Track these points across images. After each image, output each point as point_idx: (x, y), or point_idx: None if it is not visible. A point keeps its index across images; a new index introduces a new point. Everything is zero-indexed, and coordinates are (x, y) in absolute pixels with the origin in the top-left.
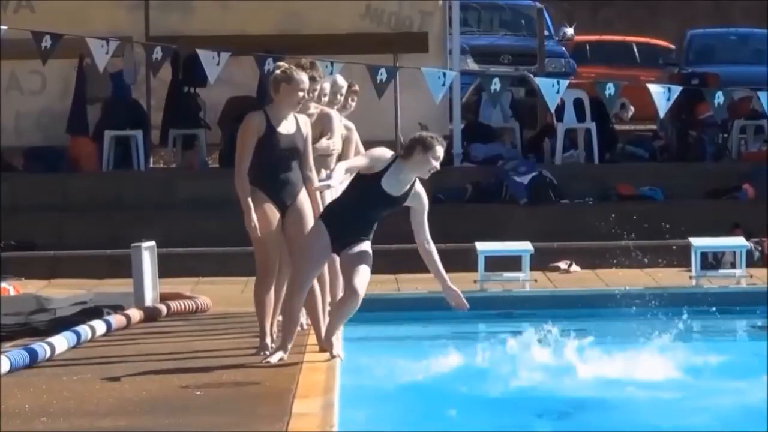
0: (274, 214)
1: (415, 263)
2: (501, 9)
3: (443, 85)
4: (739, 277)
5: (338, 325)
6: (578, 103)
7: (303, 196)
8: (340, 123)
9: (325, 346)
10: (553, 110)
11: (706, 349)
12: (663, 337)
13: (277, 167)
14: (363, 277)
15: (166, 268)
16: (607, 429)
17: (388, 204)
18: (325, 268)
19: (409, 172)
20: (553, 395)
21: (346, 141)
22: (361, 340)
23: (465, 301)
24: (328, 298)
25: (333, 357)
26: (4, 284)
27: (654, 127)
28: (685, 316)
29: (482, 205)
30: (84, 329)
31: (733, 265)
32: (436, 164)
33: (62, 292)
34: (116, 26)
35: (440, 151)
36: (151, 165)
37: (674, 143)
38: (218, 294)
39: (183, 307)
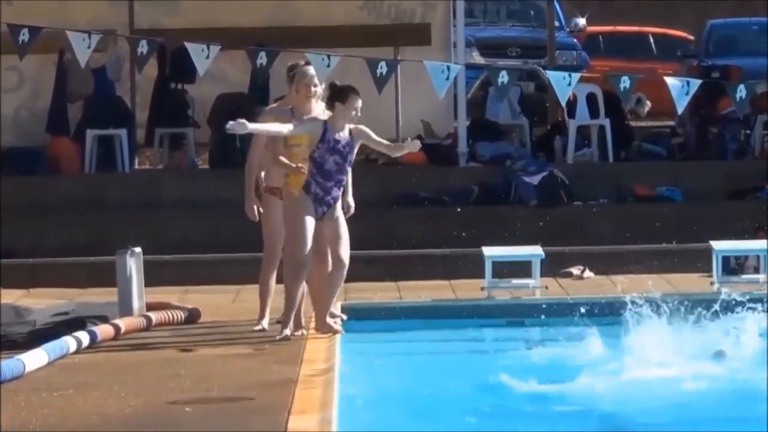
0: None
1: (418, 270)
2: None
3: (447, 79)
4: (763, 283)
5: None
6: (591, 98)
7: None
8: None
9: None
10: (564, 106)
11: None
12: (683, 346)
13: None
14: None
15: (153, 276)
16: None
17: None
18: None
19: None
20: (558, 402)
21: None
22: (362, 350)
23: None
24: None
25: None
26: None
27: (672, 123)
28: (705, 324)
29: (489, 207)
30: (65, 342)
31: (756, 270)
32: None
33: (42, 302)
34: (98, 19)
35: None
36: (136, 166)
37: (693, 140)
38: (208, 303)
39: (171, 317)
